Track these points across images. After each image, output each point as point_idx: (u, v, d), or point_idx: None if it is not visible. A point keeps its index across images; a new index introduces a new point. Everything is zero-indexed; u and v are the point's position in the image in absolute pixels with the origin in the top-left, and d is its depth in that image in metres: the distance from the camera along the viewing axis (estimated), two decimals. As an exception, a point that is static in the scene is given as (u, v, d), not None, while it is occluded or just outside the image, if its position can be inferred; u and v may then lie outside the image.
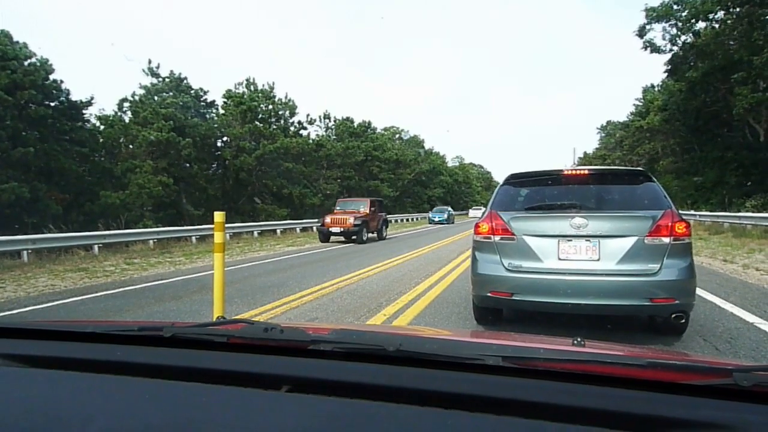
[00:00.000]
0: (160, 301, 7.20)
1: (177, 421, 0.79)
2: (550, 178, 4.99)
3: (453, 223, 39.79)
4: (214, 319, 1.33)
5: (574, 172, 4.91)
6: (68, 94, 20.62)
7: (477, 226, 4.76)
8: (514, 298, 4.34)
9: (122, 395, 0.88)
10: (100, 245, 13.68)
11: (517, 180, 5.07)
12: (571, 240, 4.28)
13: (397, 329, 1.89)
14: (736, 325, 5.09)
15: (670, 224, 4.11)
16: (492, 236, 4.55)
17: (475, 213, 53.38)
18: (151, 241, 15.56)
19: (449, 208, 42.00)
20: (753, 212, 18.62)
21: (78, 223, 18.80)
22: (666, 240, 4.09)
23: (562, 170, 4.96)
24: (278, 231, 22.84)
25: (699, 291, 6.79)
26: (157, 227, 18.38)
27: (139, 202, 21.05)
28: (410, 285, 7.81)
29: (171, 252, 14.72)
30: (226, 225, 20.83)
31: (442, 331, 2.04)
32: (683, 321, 4.23)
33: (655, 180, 4.71)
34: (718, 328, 4.96)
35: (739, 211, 19.75)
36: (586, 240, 4.25)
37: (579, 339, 1.07)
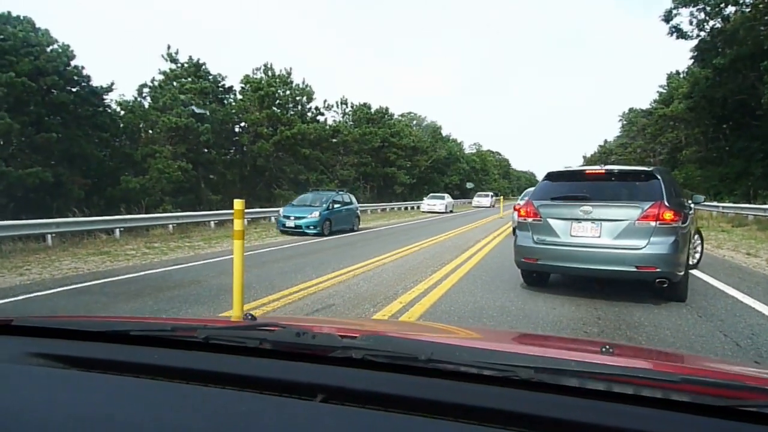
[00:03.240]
0: (179, 285, 7.31)
1: (217, 428, 0.80)
2: (575, 175, 6.66)
3: (452, 212, 34.51)
4: (242, 315, 1.37)
5: (592, 171, 6.44)
6: (89, 79, 20.84)
7: (518, 210, 6.81)
8: (539, 263, 6.17)
9: (160, 400, 0.88)
10: (122, 229, 13.89)
11: (552, 176, 6.70)
12: (580, 222, 5.84)
13: (428, 330, 1.89)
14: (759, 320, 5.01)
15: (657, 212, 5.47)
16: (527, 218, 6.26)
17: (479, 201, 47.15)
18: (170, 226, 15.76)
19: (447, 196, 36.51)
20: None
21: (99, 208, 19.11)
22: (652, 224, 5.46)
23: (585, 169, 6.72)
24: (295, 217, 23.02)
25: (720, 285, 6.77)
26: (177, 212, 18.61)
27: (159, 187, 21.30)
28: (427, 273, 7.83)
29: (190, 236, 14.91)
30: (246, 210, 21.03)
31: (471, 332, 1.98)
32: (665, 285, 5.49)
33: (659, 178, 5.85)
34: (740, 323, 4.89)
35: (764, 203, 19.31)
36: (591, 222, 5.78)
37: (608, 346, 1.06)
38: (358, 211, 18.90)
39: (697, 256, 8.33)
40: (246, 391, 0.89)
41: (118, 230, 13.75)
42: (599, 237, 5.70)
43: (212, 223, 17.69)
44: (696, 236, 8.21)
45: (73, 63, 20.39)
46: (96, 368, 1.00)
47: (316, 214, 15.57)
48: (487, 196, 48.65)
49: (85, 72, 20.89)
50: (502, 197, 42.92)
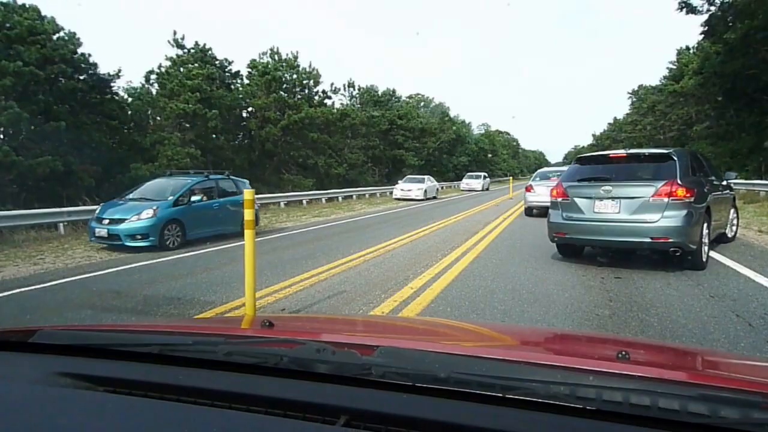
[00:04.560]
0: (191, 273, 7.39)
1: None
2: (600, 159, 7.58)
3: (436, 198, 28.58)
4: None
5: (616, 155, 7.38)
6: (96, 67, 20.84)
7: (551, 191, 7.36)
8: (567, 236, 7.05)
9: (184, 422, 0.88)
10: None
11: (581, 160, 7.73)
12: (602, 200, 6.58)
13: (444, 334, 1.86)
14: (771, 300, 5.00)
15: (669, 189, 6.14)
16: (557, 198, 7.07)
17: (469, 183, 41.00)
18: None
19: (428, 178, 29.55)
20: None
21: (110, 195, 19.26)
22: (665, 200, 6.14)
23: (609, 154, 7.63)
24: (304, 201, 23.05)
25: (731, 263, 6.75)
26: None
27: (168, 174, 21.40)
28: (437, 256, 7.86)
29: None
30: (256, 196, 21.15)
31: (486, 332, 1.90)
32: (678, 254, 6.21)
33: (675, 159, 6.50)
34: (752, 303, 4.88)
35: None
36: (611, 200, 6.51)
37: (624, 352, 1.04)
38: (257, 206, 12.12)
39: (734, 229, 8.95)
40: (269, 413, 0.89)
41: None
42: (618, 213, 6.42)
43: (222, 209, 17.74)
44: (732, 210, 8.83)
45: (79, 51, 20.38)
46: (121, 388, 1.00)
47: (150, 213, 9.69)
48: (478, 177, 42.43)
49: (92, 59, 20.89)
50: (511, 177, 42.67)
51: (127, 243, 9.60)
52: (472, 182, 40.91)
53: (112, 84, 22.57)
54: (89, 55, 20.58)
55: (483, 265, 7.18)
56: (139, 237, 9.60)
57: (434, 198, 28.07)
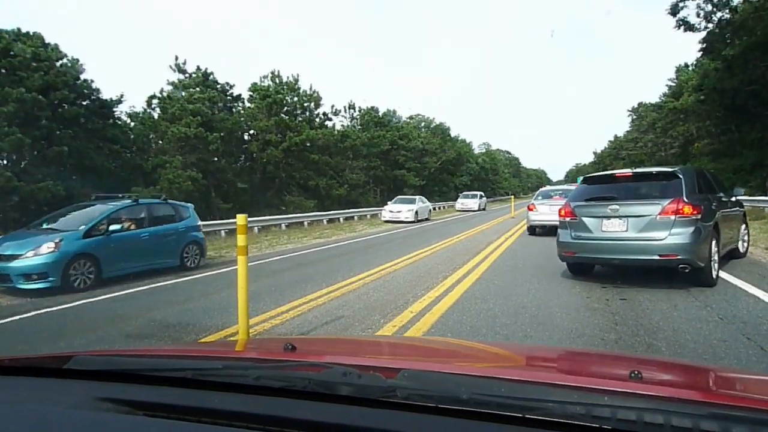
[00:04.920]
0: (189, 299, 7.28)
1: None
2: (606, 178, 7.71)
3: (428, 219, 26.87)
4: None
5: (622, 174, 7.47)
6: (98, 92, 21.04)
7: (560, 210, 7.39)
8: (576, 255, 7.13)
9: None
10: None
11: (588, 180, 7.91)
12: (609, 219, 6.65)
13: (464, 356, 1.86)
14: (782, 322, 4.85)
15: (676, 207, 6.21)
16: (566, 218, 7.14)
17: (465, 203, 38.49)
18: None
19: (419, 199, 27.67)
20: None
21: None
22: (672, 217, 6.20)
23: (615, 173, 7.75)
24: (305, 223, 22.99)
25: (740, 283, 6.60)
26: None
27: (169, 198, 21.41)
28: (438, 278, 7.73)
29: (227, 242, 14.93)
30: (255, 218, 21.00)
31: (505, 353, 1.93)
32: (687, 270, 6.18)
33: (680, 177, 6.56)
34: (764, 325, 4.73)
35: (780, 195, 18.92)
36: (619, 218, 6.58)
37: (636, 371, 1.06)
38: (202, 235, 10.93)
39: (746, 245, 9.08)
40: None
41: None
42: (626, 231, 6.49)
43: (222, 232, 17.73)
44: (743, 226, 8.99)
45: (82, 77, 20.63)
46: (159, 412, 1.03)
47: (50, 247, 7.95)
48: (474, 196, 40.06)
49: (94, 85, 21.14)
50: (513, 196, 42.23)
51: (19, 285, 7.69)
52: (468, 202, 38.52)
53: (114, 109, 22.78)
54: (92, 81, 20.87)
55: (485, 287, 7.04)
56: (36, 277, 7.71)
57: (426, 220, 26.40)
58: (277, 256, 12.56)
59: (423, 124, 61.78)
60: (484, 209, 38.81)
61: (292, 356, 1.31)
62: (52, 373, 1.25)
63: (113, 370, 1.22)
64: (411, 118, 59.04)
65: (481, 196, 41.13)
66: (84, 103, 20.69)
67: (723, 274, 7.09)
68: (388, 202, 27.13)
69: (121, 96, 22.19)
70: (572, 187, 18.98)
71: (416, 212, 24.98)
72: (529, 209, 16.06)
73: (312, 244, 15.53)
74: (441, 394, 0.96)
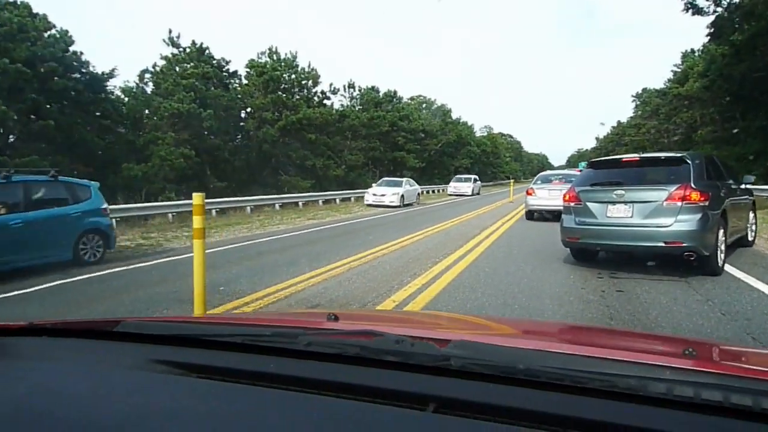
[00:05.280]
0: (164, 280, 6.97)
1: None
2: (613, 163, 7.41)
3: (416, 204, 24.63)
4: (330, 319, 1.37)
5: (628, 158, 7.11)
6: (88, 65, 20.46)
7: (564, 195, 7.30)
8: (579, 241, 6.94)
9: (278, 408, 0.91)
10: (118, 219, 13.56)
11: (594, 164, 7.80)
12: (615, 204, 6.47)
13: (514, 331, 1.83)
14: (788, 320, 4.51)
15: (683, 193, 6.03)
16: (570, 203, 7.00)
17: (457, 186, 35.96)
18: (170, 215, 15.45)
19: (407, 181, 25.34)
20: (800, 185, 17.41)
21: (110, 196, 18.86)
22: (678, 204, 6.03)
23: (621, 158, 7.43)
24: (300, 203, 22.59)
25: (743, 276, 6.26)
26: (179, 200, 18.30)
27: (162, 175, 20.99)
28: (427, 265, 7.39)
29: (189, 225, 14.53)
30: (247, 198, 20.63)
31: (549, 329, 2.06)
32: (693, 258, 6.04)
33: (689, 162, 6.36)
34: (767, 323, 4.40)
35: (784, 184, 18.51)
36: (624, 204, 6.40)
37: (690, 349, 1.09)
38: (108, 221, 9.02)
39: (753, 234, 8.98)
40: (358, 399, 0.90)
41: (114, 220, 13.40)
42: (631, 217, 6.32)
43: (213, 211, 17.36)
44: (752, 215, 8.92)
45: (71, 49, 20.01)
46: (213, 375, 1.03)
47: None
48: (468, 180, 37.22)
49: (84, 57, 20.52)
50: (512, 180, 41.50)
51: None
52: (461, 186, 35.99)
53: (106, 83, 22.22)
54: (81, 53, 20.24)
55: (475, 275, 6.70)
56: None
57: (415, 204, 24.35)
58: (267, 237, 12.22)
59: (424, 105, 61.02)
60: (478, 194, 36.33)
61: (338, 325, 1.33)
62: (106, 336, 1.26)
63: (165, 335, 1.22)
64: (412, 99, 58.26)
65: (475, 180, 38.27)
66: (74, 76, 20.12)
67: (726, 266, 6.75)
68: (373, 184, 24.82)
69: (113, 70, 21.62)
70: (573, 172, 18.64)
71: (402, 196, 22.84)
72: (528, 194, 15.72)
73: (304, 225, 15.17)
74: (497, 363, 0.94)
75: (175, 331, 1.25)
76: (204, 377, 1.03)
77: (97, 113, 20.69)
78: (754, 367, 1.17)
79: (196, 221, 3.83)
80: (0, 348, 1.21)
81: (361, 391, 0.93)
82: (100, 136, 20.94)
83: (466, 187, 35.55)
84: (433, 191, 39.85)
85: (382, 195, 22.68)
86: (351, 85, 40.92)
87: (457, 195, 34.57)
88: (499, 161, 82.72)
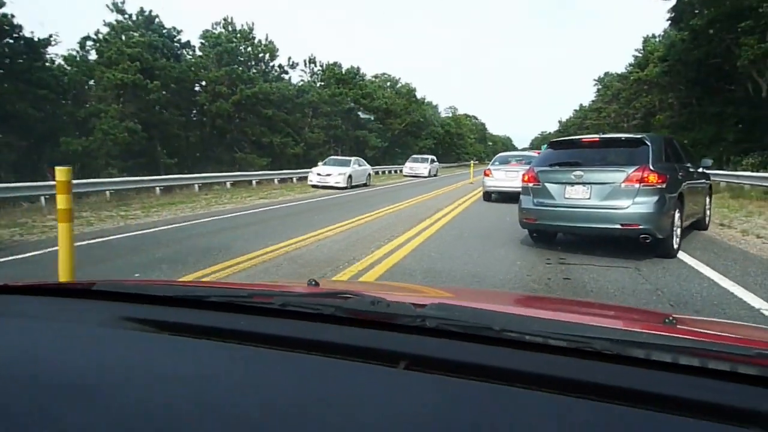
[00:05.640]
0: (80, 266, 6.26)
1: (309, 392, 0.81)
2: (573, 143, 7.33)
3: (366, 185, 23.20)
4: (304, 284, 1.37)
5: (588, 139, 7.04)
6: (21, 29, 18.94)
7: (523, 176, 7.12)
8: (537, 222, 6.81)
9: (249, 364, 0.90)
10: (47, 197, 12.54)
11: (554, 144, 7.62)
12: (573, 185, 6.35)
13: (488, 298, 1.93)
14: (739, 311, 4.22)
15: (641, 175, 5.94)
16: (529, 183, 6.81)
17: (413, 167, 34.00)
18: (107, 192, 14.47)
19: (355, 160, 23.47)
20: (751, 171, 17.67)
21: (35, 172, 17.63)
22: (636, 186, 5.95)
23: (581, 138, 7.37)
24: (254, 182, 21.70)
25: (694, 263, 5.99)
26: (122, 176, 17.27)
27: (104, 150, 19.80)
28: (370, 248, 6.90)
29: (129, 204, 13.67)
30: (196, 175, 19.63)
31: (536, 299, 2.16)
32: (648, 241, 5.96)
33: (648, 144, 6.27)
34: (719, 314, 4.09)
35: (736, 170, 18.79)
36: (582, 185, 6.28)
37: (671, 318, 1.14)
38: None
39: (708, 218, 8.89)
40: (330, 356, 0.90)
41: (43, 198, 12.41)
42: (589, 198, 6.22)
43: (158, 189, 16.41)
44: (708, 199, 8.80)
45: (2, 11, 18.46)
46: (185, 333, 1.03)
47: None
48: (425, 160, 35.21)
49: (17, 21, 18.97)
50: (473, 162, 41.10)
51: None
52: (417, 166, 34.07)
53: (43, 50, 20.72)
54: (12, 16, 18.68)
55: (418, 260, 6.25)
56: None
57: (365, 185, 22.83)
58: (208, 217, 11.48)
59: (388, 84, 60.09)
60: (435, 175, 34.79)
61: (317, 289, 1.34)
62: (80, 295, 1.28)
63: (139, 293, 1.23)
64: (376, 77, 57.32)
65: (432, 161, 36.18)
66: (6, 41, 18.62)
67: (679, 252, 6.51)
68: (319, 163, 23.03)
69: (51, 36, 20.13)
70: (532, 154, 18.43)
71: (349, 176, 21.20)
72: (485, 174, 15.46)
73: (253, 205, 14.45)
74: (472, 324, 0.95)
75: (150, 291, 1.25)
76: (176, 335, 1.03)
77: (32, 83, 19.23)
78: (731, 335, 1.21)
79: (61, 201, 3.21)
80: None
81: (333, 348, 0.93)
82: (37, 107, 19.54)
83: (423, 168, 33.81)
84: (392, 172, 38.45)
85: (327, 175, 21.03)
86: (312, 60, 39.85)
87: (413, 176, 33.10)
88: (463, 142, 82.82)
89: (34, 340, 1.01)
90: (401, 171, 36.77)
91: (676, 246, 6.38)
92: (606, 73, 60.86)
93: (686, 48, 28.61)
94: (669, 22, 30.11)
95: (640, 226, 5.90)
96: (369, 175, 24.29)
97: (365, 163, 24.94)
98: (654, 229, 5.90)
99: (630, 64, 47.09)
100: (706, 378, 0.80)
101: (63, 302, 1.26)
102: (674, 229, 6.30)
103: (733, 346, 0.89)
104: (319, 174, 21.24)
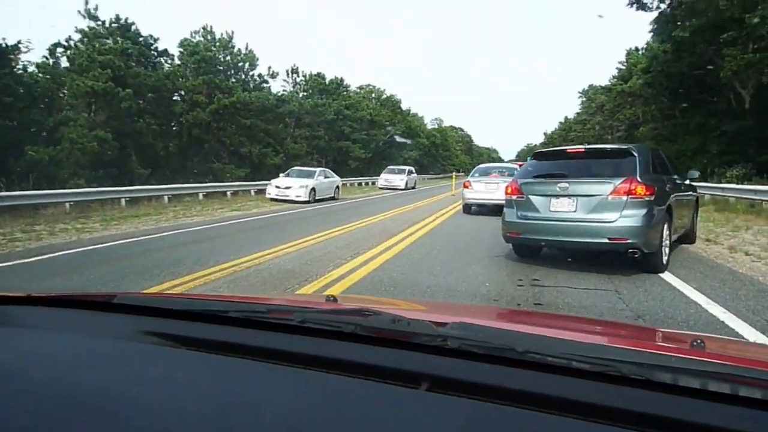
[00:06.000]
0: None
1: (329, 411, 0.81)
2: (557, 154, 7.16)
3: (335, 198, 21.25)
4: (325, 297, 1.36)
5: (573, 150, 6.90)
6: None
7: (506, 188, 6.81)
8: (521, 236, 6.51)
9: (269, 381, 0.90)
10: (4, 207, 11.78)
11: (538, 155, 7.32)
12: (558, 197, 6.10)
13: (510, 318, 1.85)
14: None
15: (628, 187, 5.70)
16: (513, 196, 6.54)
17: (388, 179, 31.62)
18: (67, 204, 13.73)
19: (320, 171, 21.54)
20: (735, 183, 17.38)
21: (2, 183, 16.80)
22: (624, 198, 5.71)
23: (566, 149, 7.37)
24: (228, 193, 20.99)
25: (678, 284, 5.46)
26: (87, 188, 16.53)
27: (72, 160, 19.02)
28: (329, 267, 6.33)
29: (89, 216, 12.95)
30: (164, 186, 18.88)
31: (558, 318, 2.13)
32: (637, 255, 5.72)
33: (635, 155, 6.03)
34: (707, 350, 3.55)
35: (720, 182, 18.51)
36: (568, 198, 6.03)
37: (698, 341, 1.08)
38: None
39: (695, 231, 8.67)
40: (351, 376, 0.89)
41: (-5, 210, 11.66)
42: (575, 211, 5.96)
43: (123, 200, 15.69)
44: (694, 211, 8.53)
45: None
46: (203, 348, 1.02)
47: None
48: (401, 172, 32.57)
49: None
50: (455, 173, 40.56)
51: None
52: (393, 178, 31.54)
53: (10, 56, 19.99)
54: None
55: (378, 281, 5.69)
56: None
57: (333, 199, 20.82)
58: (169, 231, 10.80)
59: (373, 95, 59.77)
60: (413, 187, 32.52)
61: (336, 306, 1.35)
62: (101, 308, 1.27)
63: (159, 308, 1.22)
64: (361, 88, 56.99)
65: (410, 172, 33.58)
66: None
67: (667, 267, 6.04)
68: (280, 175, 21.00)
69: (19, 42, 19.41)
70: (512, 165, 18.01)
71: (312, 189, 19.00)
72: (465, 186, 14.99)
73: (222, 218, 13.79)
74: (495, 345, 0.92)
75: (170, 305, 1.24)
76: (195, 350, 1.02)
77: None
78: (763, 359, 1.15)
79: None
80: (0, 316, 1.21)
81: (353, 367, 0.91)
82: (2, 116, 18.77)
83: (399, 180, 31.24)
84: (368, 183, 37.37)
85: (287, 188, 18.80)
86: (294, 71, 39.35)
87: (389, 188, 30.75)
88: (449, 153, 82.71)
89: (54, 352, 1.02)
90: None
91: (665, 260, 6.12)
92: (590, 86, 61.15)
93: (669, 60, 28.58)
94: (651, 34, 30.12)
95: (629, 240, 5.64)
96: (337, 187, 22.21)
97: (333, 174, 23.02)
98: (642, 244, 5.65)
99: (614, 77, 47.22)
100: (737, 406, 0.76)
101: (83, 314, 1.27)
102: (663, 243, 6.06)
103: (766, 372, 0.83)
104: (277, 186, 19.16)
